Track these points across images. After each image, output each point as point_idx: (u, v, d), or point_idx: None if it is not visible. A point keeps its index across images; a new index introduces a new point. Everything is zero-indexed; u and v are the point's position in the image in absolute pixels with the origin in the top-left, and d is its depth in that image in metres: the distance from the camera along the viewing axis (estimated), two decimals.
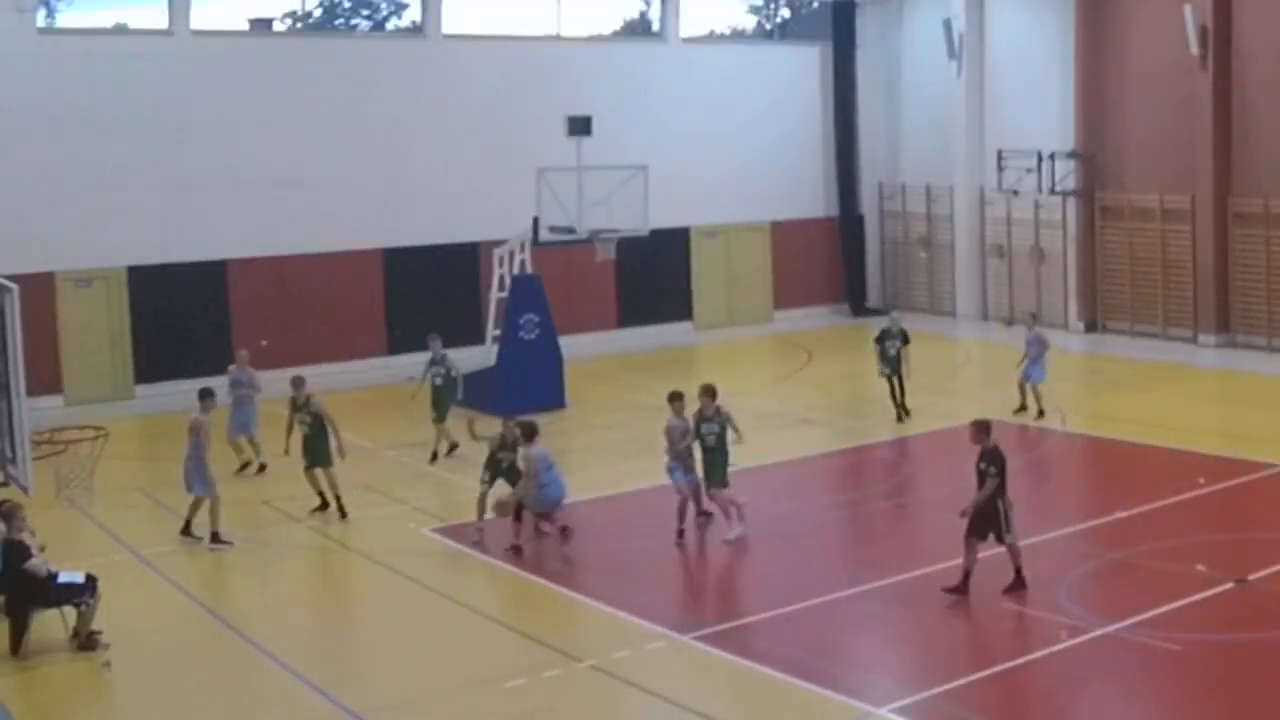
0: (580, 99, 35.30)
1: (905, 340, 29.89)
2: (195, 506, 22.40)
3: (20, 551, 17.67)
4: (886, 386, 30.14)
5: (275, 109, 36.57)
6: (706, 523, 22.39)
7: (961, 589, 18.41)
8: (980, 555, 18.72)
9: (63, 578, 17.94)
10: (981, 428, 19.01)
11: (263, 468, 26.99)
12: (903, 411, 29.86)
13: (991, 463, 18.52)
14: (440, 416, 27.60)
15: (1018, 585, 18.59)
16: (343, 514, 23.56)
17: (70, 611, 17.89)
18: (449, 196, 38.51)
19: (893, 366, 29.97)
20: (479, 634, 18.42)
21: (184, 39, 35.67)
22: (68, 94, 33.81)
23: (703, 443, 21.79)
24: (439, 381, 27.81)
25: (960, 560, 18.50)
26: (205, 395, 22.92)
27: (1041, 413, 29.33)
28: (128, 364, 34.72)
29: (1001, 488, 18.52)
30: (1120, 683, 15.91)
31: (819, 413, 31.38)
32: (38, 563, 17.81)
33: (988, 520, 18.51)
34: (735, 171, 43.74)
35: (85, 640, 17.72)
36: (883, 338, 30.24)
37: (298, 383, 24.50)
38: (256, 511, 24.09)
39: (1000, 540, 18.61)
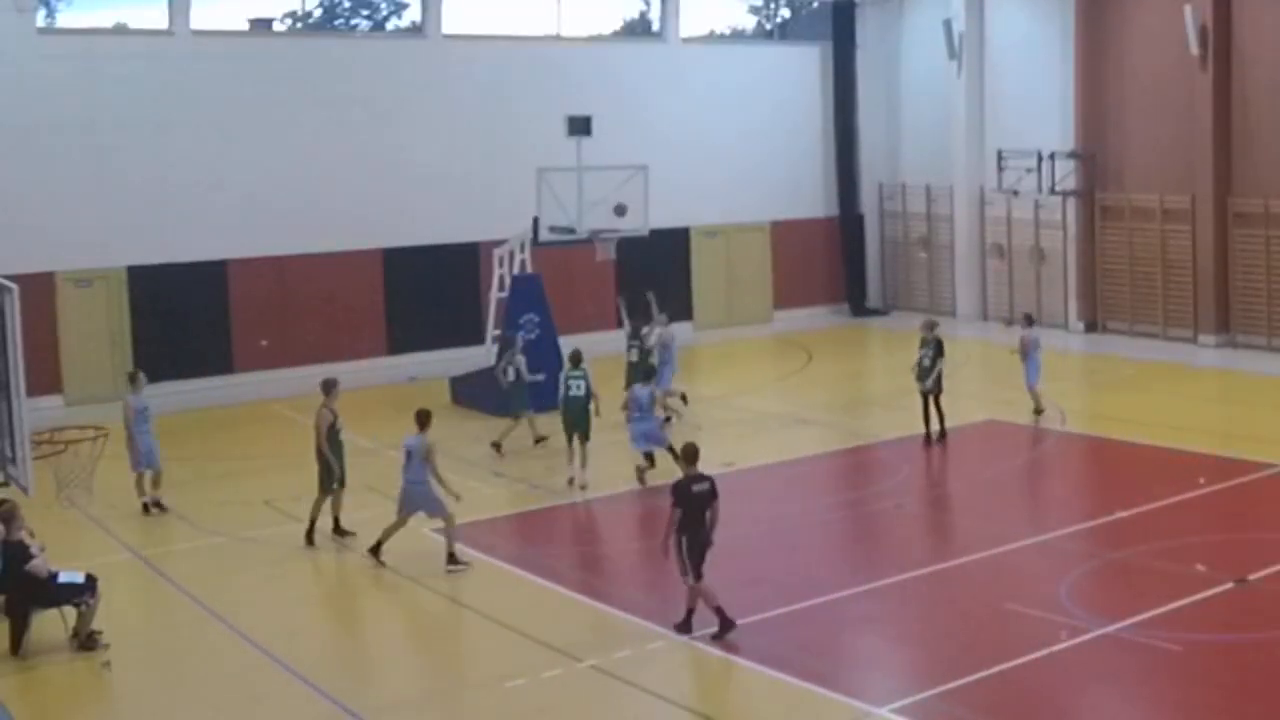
0: (580, 99, 35.27)
1: (939, 352, 27.86)
2: (397, 527, 21.32)
3: (20, 552, 17.68)
4: (921, 405, 28.05)
5: (275, 109, 36.56)
6: None
7: (726, 624, 17.50)
8: (982, 554, 18.66)
9: (63, 577, 17.95)
10: (685, 456, 18.30)
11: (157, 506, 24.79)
12: (937, 436, 27.89)
13: (671, 494, 17.70)
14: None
15: (685, 627, 17.56)
16: (343, 531, 22.50)
17: (70, 611, 17.90)
18: (449, 196, 38.52)
19: (931, 381, 27.80)
20: (479, 634, 18.46)
21: (184, 39, 35.67)
22: (68, 94, 33.81)
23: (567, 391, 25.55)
24: (512, 378, 28.44)
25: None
26: (424, 417, 21.20)
27: (1040, 410, 29.07)
28: (128, 364, 34.52)
29: (685, 524, 17.41)
30: (1120, 683, 15.92)
31: (819, 413, 31.35)
32: (39, 563, 17.82)
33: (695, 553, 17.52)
34: (735, 171, 43.73)
35: (85, 640, 17.73)
36: (922, 345, 28.21)
37: (332, 386, 22.86)
38: (258, 512, 24.09)
39: (683, 577, 17.56)
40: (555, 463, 26.24)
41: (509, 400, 28.41)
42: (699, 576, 17.44)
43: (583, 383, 25.45)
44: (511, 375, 28.25)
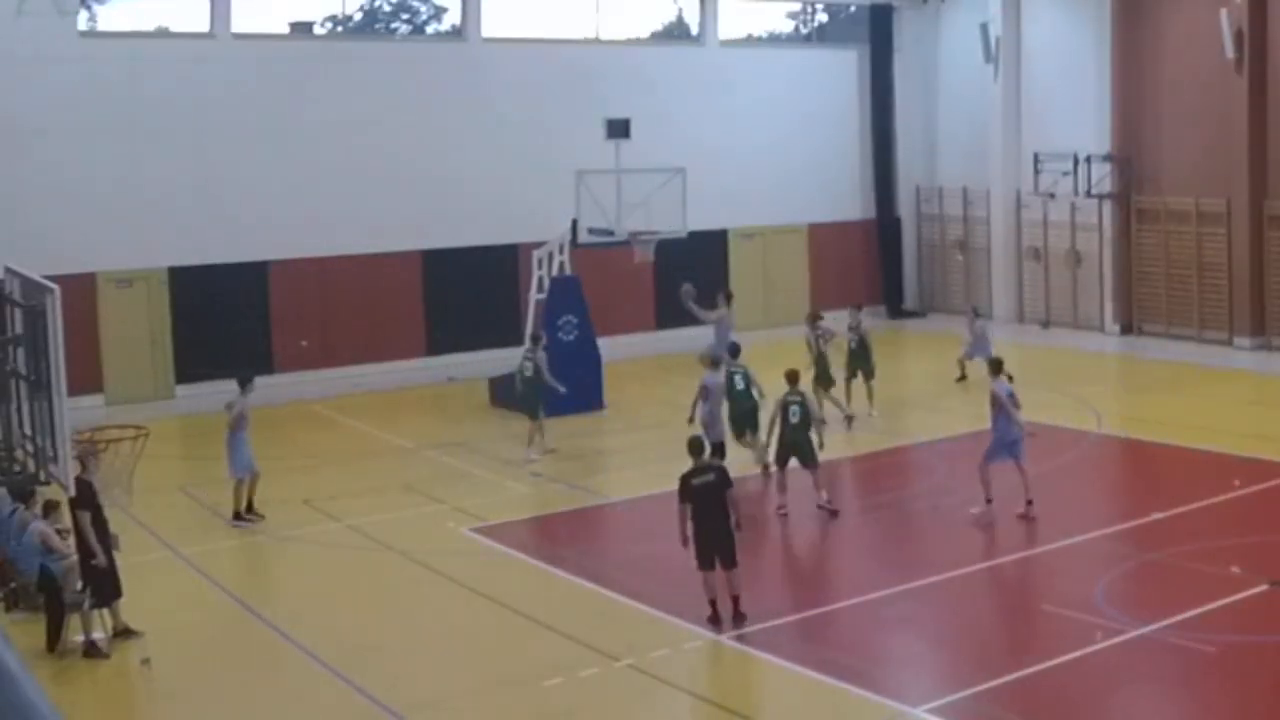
0: (618, 102, 35.45)
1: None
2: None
3: (89, 492, 17.98)
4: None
5: (316, 111, 36.75)
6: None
7: (713, 618, 17.90)
8: (1018, 555, 18.70)
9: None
10: (689, 449, 18.72)
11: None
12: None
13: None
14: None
15: (713, 620, 17.84)
16: None
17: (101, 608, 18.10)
18: (488, 199, 38.65)
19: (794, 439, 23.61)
20: (517, 633, 18.53)
21: (225, 42, 35.94)
22: (109, 96, 34.07)
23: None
24: (529, 374, 27.62)
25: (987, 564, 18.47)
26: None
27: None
28: (168, 364, 34.93)
29: (695, 516, 17.82)
30: (1155, 684, 15.97)
31: (856, 414, 31.35)
32: (56, 540, 18.30)
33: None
34: (773, 174, 43.81)
35: (121, 631, 18.00)
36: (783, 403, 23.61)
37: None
38: (297, 511, 24.24)
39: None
40: (593, 463, 26.31)
41: (524, 399, 27.78)
42: (700, 565, 17.85)
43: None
44: (529, 371, 27.61)
